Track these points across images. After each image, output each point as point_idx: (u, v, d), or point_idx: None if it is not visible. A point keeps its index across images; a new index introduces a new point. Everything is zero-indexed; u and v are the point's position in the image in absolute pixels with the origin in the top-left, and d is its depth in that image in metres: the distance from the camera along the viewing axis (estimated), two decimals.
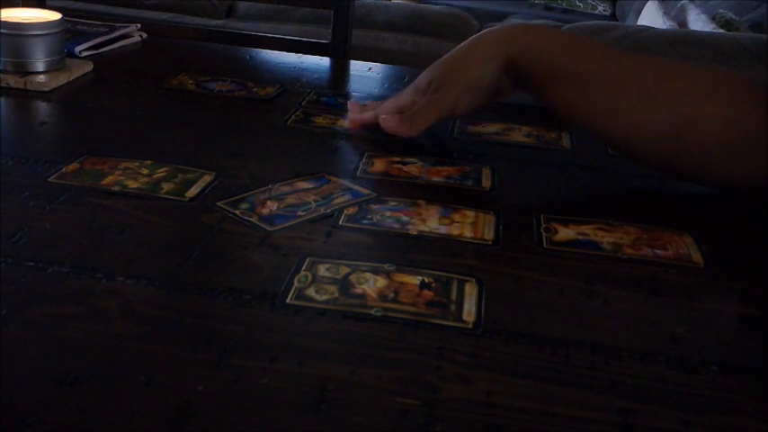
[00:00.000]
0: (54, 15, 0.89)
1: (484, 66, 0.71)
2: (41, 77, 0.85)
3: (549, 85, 0.70)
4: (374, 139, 0.78)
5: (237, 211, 0.59)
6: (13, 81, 0.84)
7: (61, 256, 0.52)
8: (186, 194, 0.62)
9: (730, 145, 0.65)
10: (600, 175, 0.74)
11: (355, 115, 0.81)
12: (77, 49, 0.97)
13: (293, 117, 0.83)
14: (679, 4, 2.81)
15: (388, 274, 0.52)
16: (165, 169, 0.66)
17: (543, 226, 0.61)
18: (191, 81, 0.92)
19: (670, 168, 0.70)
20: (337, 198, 0.63)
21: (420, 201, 0.63)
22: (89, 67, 0.92)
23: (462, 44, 0.75)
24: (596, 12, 4.21)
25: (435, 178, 0.69)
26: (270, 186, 0.64)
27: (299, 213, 0.60)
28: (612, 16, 4.14)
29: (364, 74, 1.05)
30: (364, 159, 0.72)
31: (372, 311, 0.48)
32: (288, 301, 0.48)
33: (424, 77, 0.75)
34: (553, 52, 0.70)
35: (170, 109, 0.84)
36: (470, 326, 0.47)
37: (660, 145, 0.67)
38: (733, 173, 0.66)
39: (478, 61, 0.72)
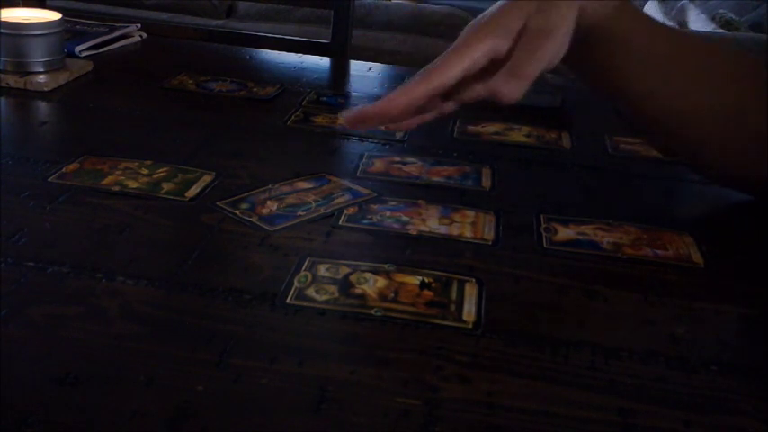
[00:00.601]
0: (54, 15, 0.89)
1: (570, 8, 0.57)
2: (41, 77, 0.85)
3: (600, 44, 0.60)
4: (374, 138, 0.78)
5: (237, 211, 0.59)
6: (13, 81, 0.84)
7: (61, 256, 0.52)
8: (186, 194, 0.62)
9: (732, 147, 0.65)
10: (600, 175, 0.74)
11: (395, 98, 0.55)
12: (77, 49, 0.97)
13: (293, 117, 0.83)
14: (679, 4, 2.81)
15: (388, 274, 0.52)
16: (165, 169, 0.66)
17: (543, 226, 0.61)
18: (191, 81, 0.92)
19: (688, 154, 0.68)
20: (337, 198, 0.63)
21: (420, 201, 0.63)
22: (89, 67, 0.92)
23: None
24: None
25: (435, 178, 0.69)
26: (270, 186, 0.64)
27: (299, 213, 0.60)
28: None
29: (364, 74, 1.05)
30: (364, 159, 0.72)
31: (372, 311, 0.48)
32: (288, 301, 0.48)
33: (513, 16, 0.56)
34: (619, 13, 0.60)
35: (170, 109, 0.84)
36: (470, 326, 0.47)
37: (703, 129, 0.64)
38: (737, 171, 0.66)
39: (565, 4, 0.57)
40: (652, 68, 0.63)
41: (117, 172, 0.65)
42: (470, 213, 0.62)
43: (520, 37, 0.55)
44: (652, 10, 2.88)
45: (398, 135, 0.79)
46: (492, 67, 0.56)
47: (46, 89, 0.84)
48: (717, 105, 0.64)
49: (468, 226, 0.60)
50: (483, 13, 0.58)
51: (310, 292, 0.49)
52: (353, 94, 0.95)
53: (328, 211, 0.61)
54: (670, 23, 2.54)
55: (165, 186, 0.63)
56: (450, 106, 0.60)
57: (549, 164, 0.76)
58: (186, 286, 0.49)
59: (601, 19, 0.59)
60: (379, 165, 0.71)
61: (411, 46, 1.94)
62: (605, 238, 0.60)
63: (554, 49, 0.56)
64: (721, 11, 2.51)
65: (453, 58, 0.56)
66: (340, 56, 1.22)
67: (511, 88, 0.54)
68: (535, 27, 0.55)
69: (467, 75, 0.56)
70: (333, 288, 0.50)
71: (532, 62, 0.55)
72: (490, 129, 0.83)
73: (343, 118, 0.59)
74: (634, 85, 0.63)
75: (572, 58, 0.60)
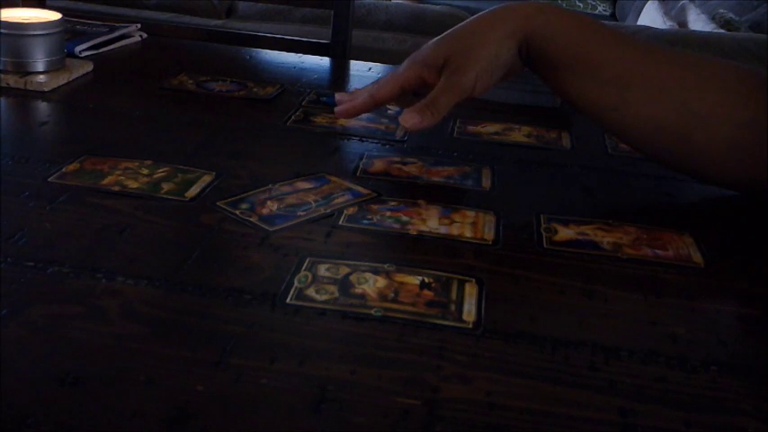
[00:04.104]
0: (54, 15, 0.89)
1: (501, 42, 0.68)
2: (41, 77, 0.85)
3: (560, 69, 0.68)
4: (374, 138, 0.78)
5: (237, 211, 0.59)
6: (13, 81, 0.84)
7: (61, 256, 0.52)
8: (186, 194, 0.62)
9: (738, 145, 0.65)
10: (600, 175, 0.74)
11: (347, 104, 0.74)
12: (77, 49, 0.97)
13: (293, 117, 0.83)
14: (679, 4, 2.81)
15: (388, 274, 0.52)
16: (165, 169, 0.66)
17: (543, 226, 0.61)
18: (191, 81, 0.92)
19: (676, 165, 0.70)
20: (337, 198, 0.63)
21: (420, 201, 0.63)
22: (89, 67, 0.92)
23: (476, 17, 0.70)
24: (596, 12, 4.21)
25: (435, 178, 0.69)
26: (270, 186, 0.64)
27: (299, 213, 0.60)
28: (612, 16, 4.14)
29: (364, 74, 1.06)
30: (364, 159, 0.72)
31: (372, 311, 0.48)
32: (288, 301, 0.48)
33: (435, 53, 0.69)
34: (569, 35, 0.68)
35: (170, 109, 0.84)
36: (470, 326, 0.47)
37: (668, 140, 0.67)
38: (739, 172, 0.66)
39: (496, 37, 0.68)
40: (609, 85, 0.67)
41: (117, 172, 0.65)
42: (470, 213, 0.62)
43: (443, 68, 0.68)
44: (652, 10, 2.89)
45: (398, 135, 0.79)
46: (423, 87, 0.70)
47: (46, 89, 0.84)
48: (680, 115, 0.65)
49: (468, 226, 0.60)
50: (421, 48, 0.72)
51: (310, 292, 0.49)
52: None
53: (328, 211, 0.61)
54: (670, 23, 2.54)
55: (165, 186, 0.63)
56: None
57: (549, 164, 0.76)
58: (186, 286, 0.49)
59: (551, 44, 0.68)
60: (379, 165, 0.71)
61: (411, 46, 1.94)
62: (605, 238, 0.60)
63: (467, 83, 0.67)
64: (721, 11, 2.51)
65: (390, 81, 0.72)
66: (340, 56, 1.22)
67: (427, 120, 0.67)
68: (453, 66, 0.68)
69: (403, 92, 0.71)
70: (333, 288, 0.50)
71: (445, 99, 0.67)
72: (490, 129, 0.83)
73: (339, 109, 0.75)
74: (595, 101, 0.69)
75: (545, 78, 0.71)
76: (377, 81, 0.73)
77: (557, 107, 0.93)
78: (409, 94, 0.72)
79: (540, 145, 0.80)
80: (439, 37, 0.71)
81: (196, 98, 0.87)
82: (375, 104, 0.73)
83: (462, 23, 0.71)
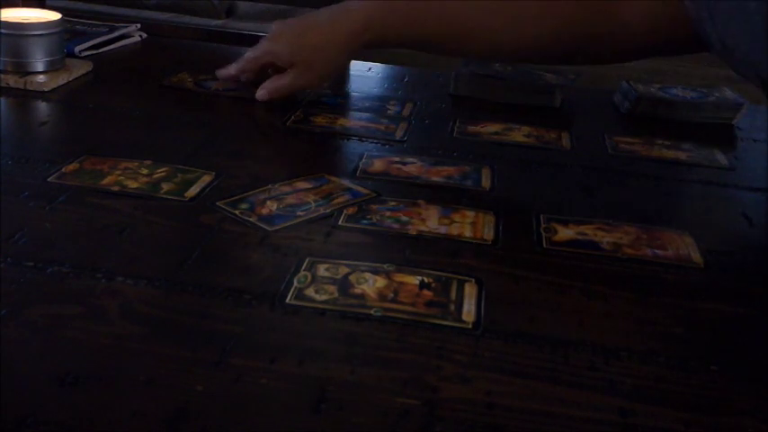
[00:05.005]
0: (54, 15, 0.89)
1: (341, 55, 0.85)
2: (41, 77, 0.85)
3: (404, 46, 0.85)
4: (374, 138, 0.78)
5: (237, 211, 0.59)
6: (13, 81, 0.84)
7: (61, 256, 0.52)
8: (186, 194, 0.62)
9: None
10: (600, 175, 0.74)
11: (224, 73, 0.91)
12: (77, 49, 0.97)
13: (293, 117, 0.83)
14: None
15: (387, 274, 0.52)
16: (164, 169, 0.66)
17: (543, 226, 0.61)
18: (190, 81, 0.92)
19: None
20: (337, 198, 0.63)
21: (420, 201, 0.63)
22: (89, 67, 0.92)
23: (318, 24, 0.84)
24: None
25: (435, 178, 0.69)
26: (270, 186, 0.64)
27: (299, 213, 0.60)
28: None
29: (364, 74, 1.06)
30: (364, 159, 0.72)
31: (372, 311, 0.48)
32: (288, 301, 0.48)
33: (286, 52, 0.84)
34: (398, 26, 0.82)
35: (170, 109, 0.84)
36: (470, 326, 0.47)
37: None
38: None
39: (336, 52, 0.84)
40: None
41: (117, 172, 0.65)
42: (470, 213, 0.62)
43: (293, 65, 0.84)
44: None
45: (398, 135, 0.79)
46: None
47: (46, 89, 0.84)
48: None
49: (468, 226, 0.60)
50: (274, 39, 0.86)
51: (310, 292, 0.49)
52: (353, 93, 0.95)
53: (328, 211, 0.61)
54: None
55: (165, 186, 0.63)
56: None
57: (549, 164, 0.76)
58: (186, 286, 0.49)
59: (386, 38, 0.83)
60: (378, 165, 0.71)
61: None
62: (605, 238, 0.60)
63: (312, 81, 0.87)
64: None
65: (252, 62, 0.88)
66: None
67: (263, 93, 0.86)
68: (298, 70, 0.84)
69: (261, 71, 0.88)
70: (332, 288, 0.50)
71: (292, 87, 0.86)
72: (490, 129, 0.83)
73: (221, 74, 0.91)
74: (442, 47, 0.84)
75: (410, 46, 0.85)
76: (243, 58, 0.89)
77: (557, 107, 0.93)
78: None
79: (540, 145, 0.80)
80: (290, 36, 0.85)
81: (196, 98, 0.87)
82: (239, 78, 0.90)
83: (306, 27, 0.85)
